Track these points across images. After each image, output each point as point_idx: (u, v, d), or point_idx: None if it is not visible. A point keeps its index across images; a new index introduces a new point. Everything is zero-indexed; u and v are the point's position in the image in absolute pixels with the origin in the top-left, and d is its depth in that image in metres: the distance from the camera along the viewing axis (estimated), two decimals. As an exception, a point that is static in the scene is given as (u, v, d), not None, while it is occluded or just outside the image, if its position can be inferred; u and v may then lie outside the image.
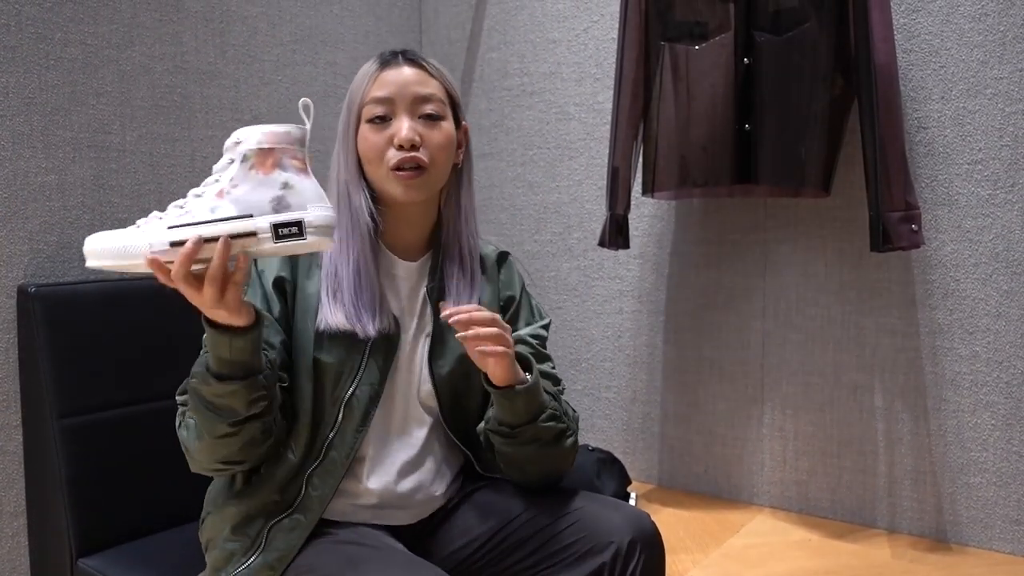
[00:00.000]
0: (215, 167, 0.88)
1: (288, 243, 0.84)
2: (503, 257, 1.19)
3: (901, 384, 1.59)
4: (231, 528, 1.01)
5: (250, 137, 0.86)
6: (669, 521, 1.65)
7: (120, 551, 1.30)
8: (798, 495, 1.71)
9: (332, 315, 1.01)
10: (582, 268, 1.97)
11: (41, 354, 1.28)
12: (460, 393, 1.11)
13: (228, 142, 0.88)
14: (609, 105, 1.87)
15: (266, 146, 0.86)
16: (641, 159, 1.65)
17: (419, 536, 1.10)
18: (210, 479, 1.09)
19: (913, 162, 1.54)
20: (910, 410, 1.58)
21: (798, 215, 1.68)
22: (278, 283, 1.03)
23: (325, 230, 0.86)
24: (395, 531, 1.07)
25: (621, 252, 1.89)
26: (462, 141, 1.10)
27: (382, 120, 1.03)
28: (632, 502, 1.66)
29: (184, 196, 0.88)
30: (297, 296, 1.04)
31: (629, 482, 1.71)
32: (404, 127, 1.01)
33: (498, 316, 1.00)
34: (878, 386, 1.61)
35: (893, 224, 1.40)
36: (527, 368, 1.04)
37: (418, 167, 1.02)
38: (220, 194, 0.84)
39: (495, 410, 1.04)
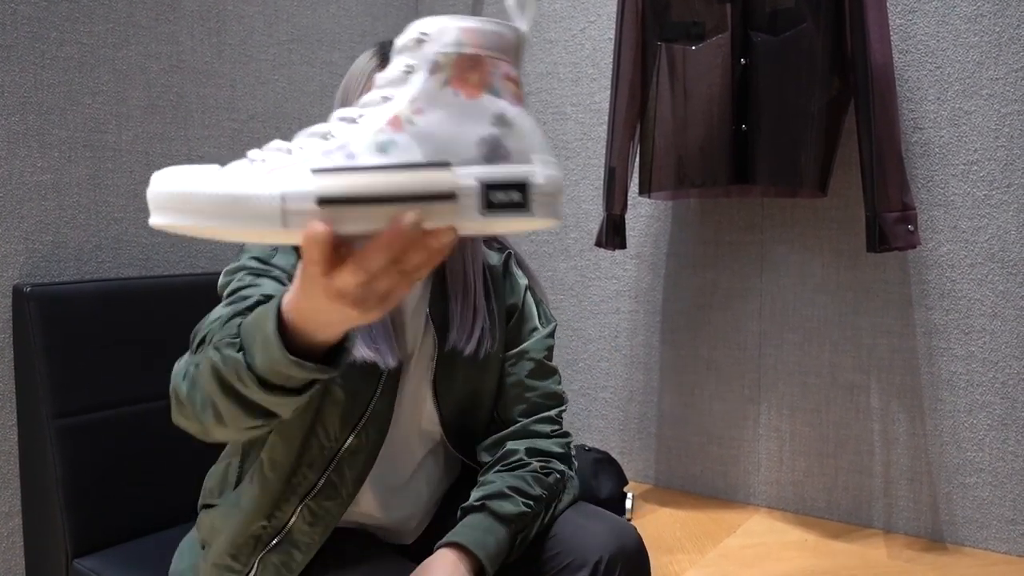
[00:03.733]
0: (378, 77, 0.57)
1: (501, 217, 0.54)
2: (507, 262, 1.10)
3: (897, 384, 1.59)
4: (230, 555, 0.98)
5: (444, 33, 0.55)
6: (666, 521, 1.65)
7: (116, 552, 1.30)
8: (794, 495, 1.72)
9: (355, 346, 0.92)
10: (579, 268, 1.97)
11: (36, 354, 1.27)
12: (466, 413, 1.07)
13: (402, 39, 0.57)
14: (606, 105, 1.87)
15: (469, 51, 0.56)
16: (638, 159, 1.65)
17: (411, 551, 1.09)
18: (206, 466, 1.07)
19: (909, 163, 1.54)
20: (906, 410, 1.58)
21: (795, 216, 1.69)
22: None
23: (554, 200, 0.56)
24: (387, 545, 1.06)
25: (618, 252, 1.89)
26: None
27: None
28: (628, 502, 1.66)
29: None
30: None
31: (626, 482, 1.71)
32: None
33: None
34: (874, 386, 1.62)
35: (889, 225, 1.40)
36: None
37: None
38: (395, 122, 0.54)
39: None
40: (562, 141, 1.97)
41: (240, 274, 0.92)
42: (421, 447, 1.06)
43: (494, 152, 0.54)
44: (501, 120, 0.55)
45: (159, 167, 1.54)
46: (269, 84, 1.76)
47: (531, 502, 0.97)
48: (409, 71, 0.55)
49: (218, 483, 1.04)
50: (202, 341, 0.79)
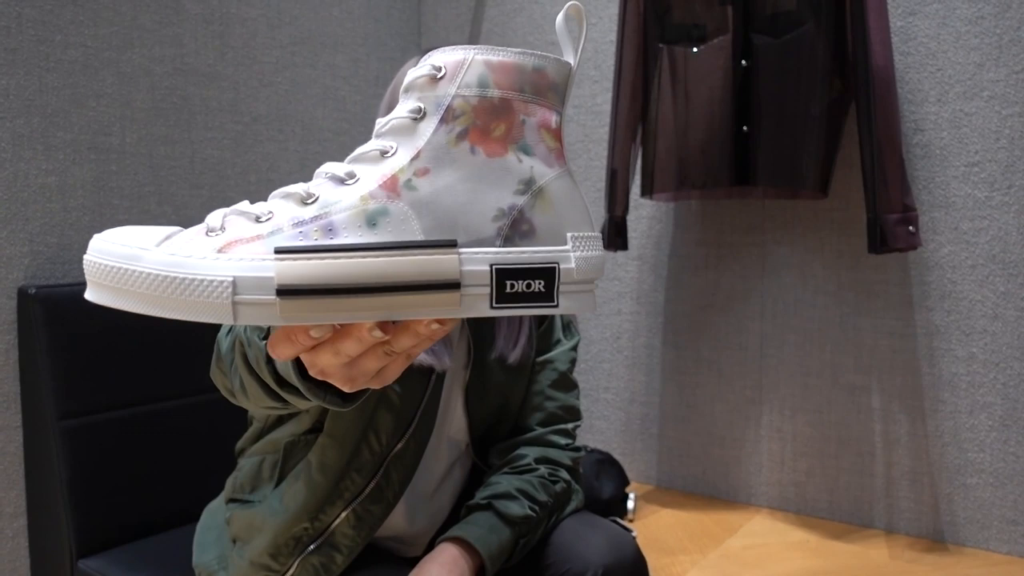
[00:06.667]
0: (377, 123, 0.44)
1: (516, 308, 0.42)
2: None
3: (898, 385, 1.59)
4: (269, 554, 0.96)
5: (464, 68, 0.43)
6: (667, 522, 1.65)
7: (120, 552, 1.31)
8: (796, 496, 1.72)
9: None
10: (581, 270, 1.97)
11: (41, 355, 1.28)
12: (494, 421, 1.07)
13: (413, 73, 0.44)
14: (608, 107, 1.87)
15: (497, 94, 0.43)
16: (640, 161, 1.65)
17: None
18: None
19: (910, 164, 1.55)
20: (907, 411, 1.59)
21: (796, 217, 1.69)
22: None
23: (587, 287, 0.44)
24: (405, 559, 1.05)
25: (620, 254, 1.90)
26: None
27: None
28: (630, 503, 1.66)
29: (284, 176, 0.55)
30: None
31: (627, 483, 1.71)
32: None
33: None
34: (875, 387, 1.62)
35: (890, 226, 1.41)
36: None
37: None
38: (390, 185, 0.42)
39: None
40: (564, 143, 1.97)
41: None
42: (448, 455, 1.06)
43: (515, 229, 0.43)
44: (529, 186, 0.43)
45: (163, 169, 1.55)
46: (272, 86, 1.77)
47: (537, 507, 0.97)
48: (416, 117, 0.43)
49: (250, 479, 1.02)
50: None
